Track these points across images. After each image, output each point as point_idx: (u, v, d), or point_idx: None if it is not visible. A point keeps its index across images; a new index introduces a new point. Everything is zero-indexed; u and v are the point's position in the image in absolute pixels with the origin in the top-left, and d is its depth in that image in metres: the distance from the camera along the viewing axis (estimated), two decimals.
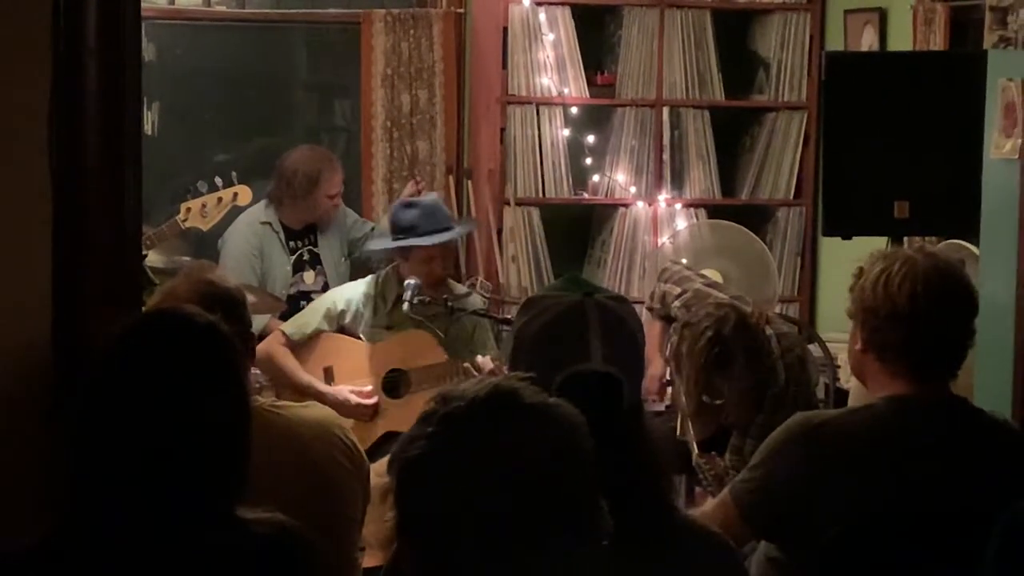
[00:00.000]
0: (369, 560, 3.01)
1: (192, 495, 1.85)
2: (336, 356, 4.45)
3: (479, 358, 4.22)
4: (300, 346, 4.45)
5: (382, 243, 4.63)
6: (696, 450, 3.83)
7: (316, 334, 4.46)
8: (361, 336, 4.48)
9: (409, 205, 4.55)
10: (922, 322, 2.48)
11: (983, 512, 2.31)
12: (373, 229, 5.21)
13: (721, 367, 3.59)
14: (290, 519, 1.94)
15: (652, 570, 1.83)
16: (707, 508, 2.63)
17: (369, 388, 4.38)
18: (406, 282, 4.41)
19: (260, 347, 4.42)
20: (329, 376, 4.42)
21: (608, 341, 1.92)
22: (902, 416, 2.49)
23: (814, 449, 2.47)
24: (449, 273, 4.69)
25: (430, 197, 4.79)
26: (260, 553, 1.88)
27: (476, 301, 4.57)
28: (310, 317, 4.50)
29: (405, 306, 4.36)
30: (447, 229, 4.51)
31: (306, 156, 5.13)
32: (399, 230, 4.45)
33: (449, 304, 4.40)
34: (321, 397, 4.32)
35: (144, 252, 3.95)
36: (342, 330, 4.49)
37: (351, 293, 4.52)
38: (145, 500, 1.83)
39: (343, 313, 4.47)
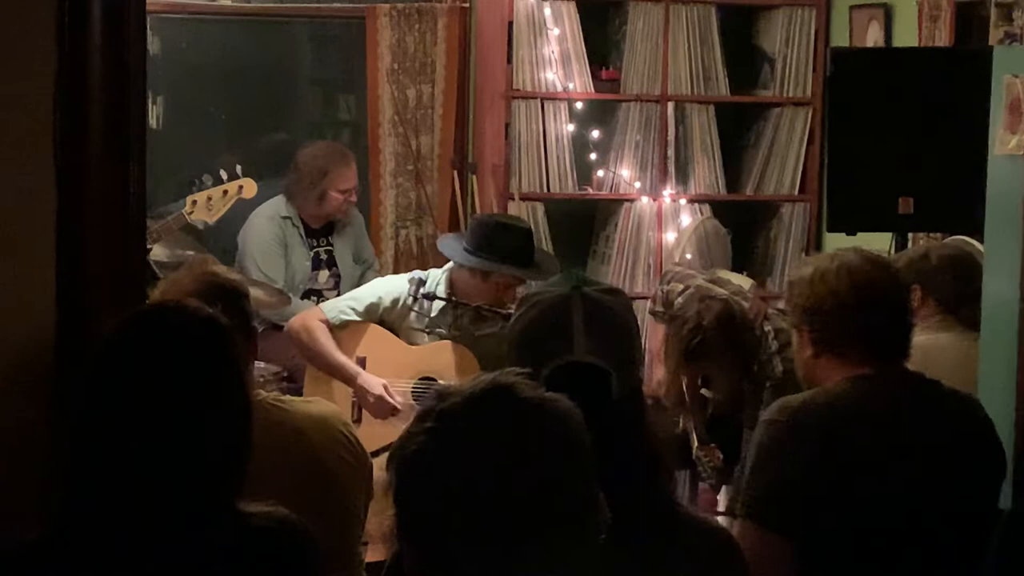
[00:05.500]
0: (372, 554, 3.02)
1: (192, 488, 1.85)
2: (373, 348, 4.36)
3: None
4: (337, 329, 4.39)
5: (458, 251, 4.39)
6: (696, 443, 3.86)
7: (355, 323, 4.39)
8: (399, 334, 4.42)
9: (506, 228, 4.40)
10: (867, 306, 2.61)
11: (955, 475, 2.54)
12: (369, 268, 5.23)
13: (700, 357, 3.64)
14: (292, 512, 1.95)
15: (651, 562, 1.83)
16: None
17: (401, 395, 4.32)
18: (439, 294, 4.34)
19: (296, 319, 4.39)
20: (361, 366, 4.35)
21: (592, 333, 1.91)
22: (872, 388, 2.59)
23: (804, 432, 2.54)
24: (513, 299, 4.60)
25: (525, 224, 4.63)
26: (261, 546, 1.89)
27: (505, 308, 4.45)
28: (353, 304, 4.37)
29: (418, 306, 4.34)
30: (534, 260, 4.41)
31: (320, 150, 5.20)
32: (489, 250, 4.29)
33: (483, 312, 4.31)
34: (352, 379, 4.26)
35: (149, 246, 3.97)
36: (382, 323, 4.43)
37: (399, 290, 4.41)
38: (145, 493, 1.83)
39: (388, 309, 4.38)
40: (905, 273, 3.60)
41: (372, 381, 4.27)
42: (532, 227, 5.33)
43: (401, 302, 4.36)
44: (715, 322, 3.65)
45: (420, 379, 4.34)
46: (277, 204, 5.13)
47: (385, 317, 4.38)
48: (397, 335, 4.40)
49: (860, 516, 2.51)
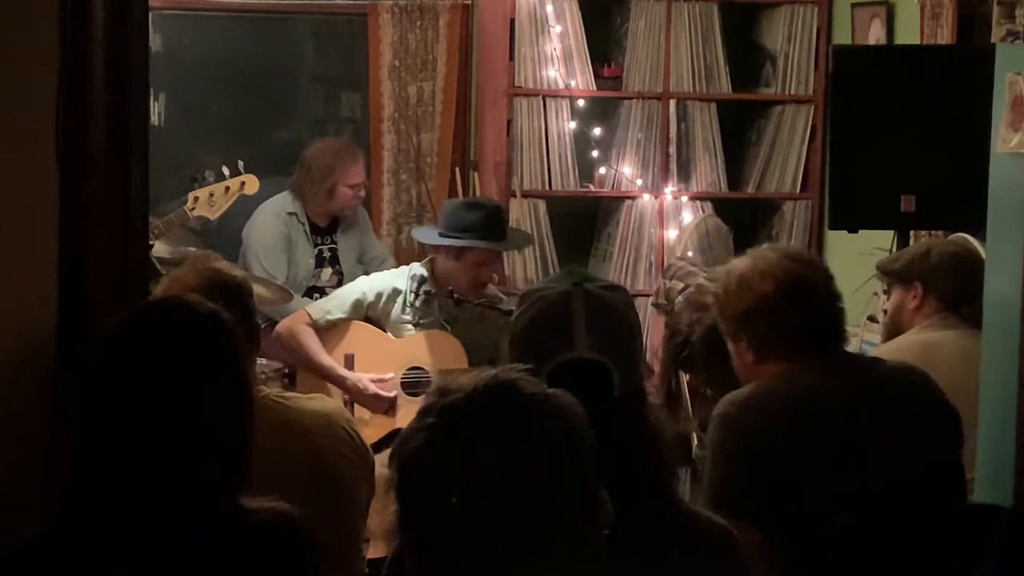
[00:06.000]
0: (373, 551, 3.02)
1: (194, 484, 1.85)
2: (360, 344, 4.40)
3: None
4: (324, 329, 4.42)
5: (432, 236, 4.49)
6: (696, 442, 3.86)
7: (341, 321, 4.42)
8: (386, 329, 4.45)
9: (473, 206, 4.47)
10: (797, 302, 2.64)
11: (910, 445, 2.61)
12: (383, 263, 5.24)
13: (688, 367, 3.66)
14: (293, 508, 1.95)
15: (653, 560, 1.83)
16: None
17: (390, 376, 4.36)
18: (421, 280, 4.37)
19: (283, 324, 4.44)
20: (350, 363, 4.38)
21: (594, 329, 1.91)
22: (814, 373, 2.63)
23: (755, 424, 2.58)
24: (494, 280, 4.63)
25: (493, 201, 4.69)
26: (261, 542, 1.89)
27: (504, 303, 4.47)
28: (338, 304, 4.43)
29: (419, 301, 4.36)
30: (505, 236, 4.47)
31: (328, 145, 5.21)
32: (459, 228, 4.36)
33: (478, 303, 4.34)
34: (341, 381, 4.30)
35: (151, 242, 3.97)
36: (368, 319, 4.47)
37: (382, 284, 4.46)
38: (146, 490, 1.83)
39: (372, 304, 4.43)
40: (906, 271, 3.61)
41: (361, 380, 4.31)
42: (533, 224, 5.37)
43: (385, 296, 4.42)
44: (703, 338, 3.66)
45: (408, 369, 4.37)
46: (283, 200, 5.14)
47: (370, 313, 4.44)
48: (384, 329, 4.43)
49: (824, 496, 2.54)
